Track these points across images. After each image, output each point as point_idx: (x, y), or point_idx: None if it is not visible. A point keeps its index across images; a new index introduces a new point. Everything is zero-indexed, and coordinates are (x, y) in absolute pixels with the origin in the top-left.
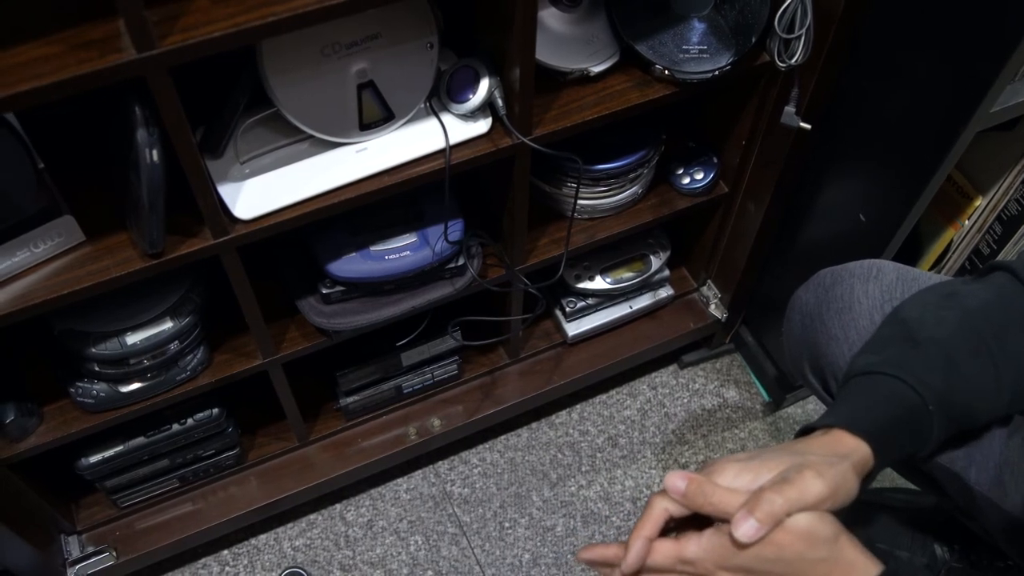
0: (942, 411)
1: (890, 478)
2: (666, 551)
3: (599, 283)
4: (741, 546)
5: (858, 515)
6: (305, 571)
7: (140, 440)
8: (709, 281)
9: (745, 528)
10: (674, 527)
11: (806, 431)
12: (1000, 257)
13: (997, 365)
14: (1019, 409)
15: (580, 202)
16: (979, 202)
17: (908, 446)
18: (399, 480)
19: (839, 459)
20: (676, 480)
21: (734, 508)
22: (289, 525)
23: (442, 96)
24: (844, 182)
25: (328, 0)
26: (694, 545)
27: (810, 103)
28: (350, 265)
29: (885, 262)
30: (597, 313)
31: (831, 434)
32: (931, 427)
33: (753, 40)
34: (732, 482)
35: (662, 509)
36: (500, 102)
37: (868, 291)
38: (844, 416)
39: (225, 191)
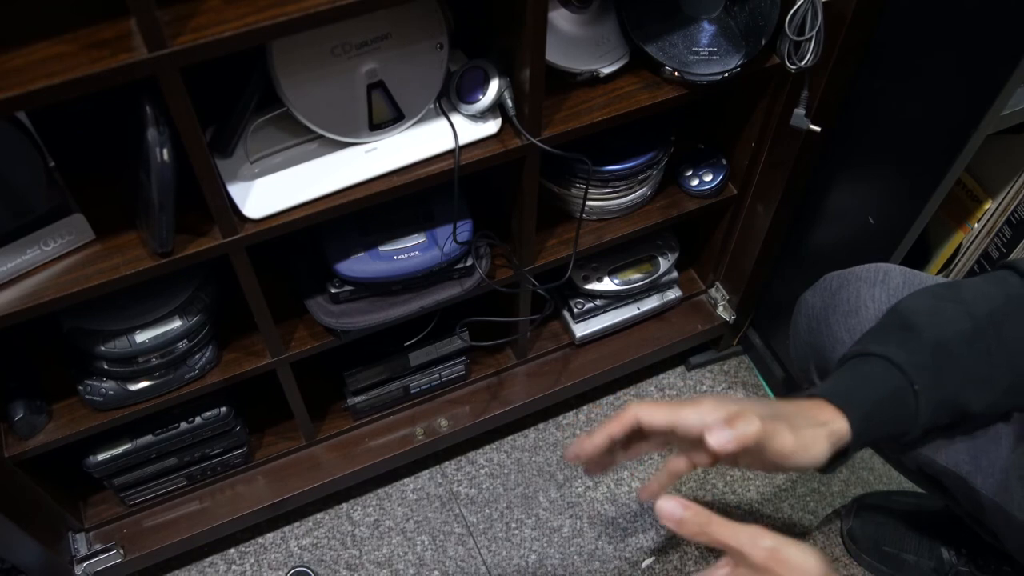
0: (929, 393)
1: (898, 482)
2: None
3: (607, 284)
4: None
5: (866, 518)
6: (312, 570)
7: (148, 438)
8: (717, 283)
9: (719, 436)
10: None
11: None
12: None
13: (991, 352)
14: (1016, 402)
15: (589, 203)
16: (988, 205)
17: (892, 426)
18: (406, 480)
19: (816, 424)
20: (672, 507)
21: (731, 539)
22: (296, 524)
23: (452, 97)
24: (853, 184)
25: (339, 0)
26: None
27: (820, 105)
28: (359, 265)
29: (892, 266)
30: (605, 314)
31: (812, 401)
32: (916, 408)
33: (763, 42)
34: (709, 415)
35: (632, 416)
36: (510, 103)
37: (875, 295)
38: (827, 389)
39: (235, 190)
